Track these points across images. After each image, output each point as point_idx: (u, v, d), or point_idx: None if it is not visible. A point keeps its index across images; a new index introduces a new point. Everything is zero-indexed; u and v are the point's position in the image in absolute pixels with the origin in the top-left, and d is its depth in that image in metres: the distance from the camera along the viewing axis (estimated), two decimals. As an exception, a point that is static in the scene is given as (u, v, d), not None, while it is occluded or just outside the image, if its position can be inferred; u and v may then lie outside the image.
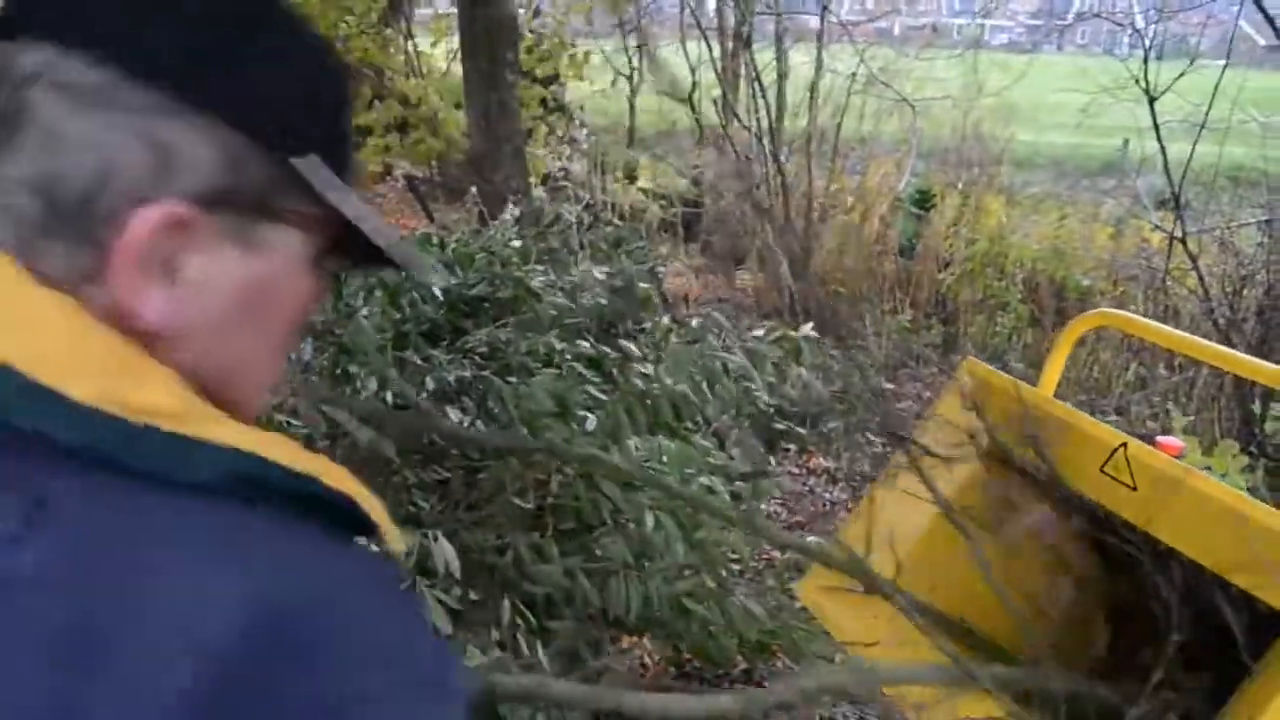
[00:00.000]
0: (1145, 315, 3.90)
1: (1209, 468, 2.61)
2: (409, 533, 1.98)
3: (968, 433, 1.43)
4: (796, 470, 4.35)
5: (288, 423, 2.12)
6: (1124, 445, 1.30)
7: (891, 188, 7.58)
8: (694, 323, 3.30)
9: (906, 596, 1.34)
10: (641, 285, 3.19)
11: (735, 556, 2.93)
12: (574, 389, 2.44)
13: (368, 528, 0.53)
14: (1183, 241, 4.87)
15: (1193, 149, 5.17)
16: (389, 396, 2.30)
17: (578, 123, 8.17)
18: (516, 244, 3.04)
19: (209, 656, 0.41)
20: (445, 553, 1.99)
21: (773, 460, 3.36)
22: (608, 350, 2.74)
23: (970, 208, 7.32)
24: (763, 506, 3.43)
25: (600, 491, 2.33)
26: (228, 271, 0.51)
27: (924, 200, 7.38)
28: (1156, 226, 5.80)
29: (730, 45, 8.06)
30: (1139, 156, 6.38)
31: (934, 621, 1.34)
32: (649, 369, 2.52)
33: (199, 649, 0.41)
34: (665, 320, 3.22)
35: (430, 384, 2.40)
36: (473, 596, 2.13)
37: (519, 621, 2.15)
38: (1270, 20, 4.16)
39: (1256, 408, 4.37)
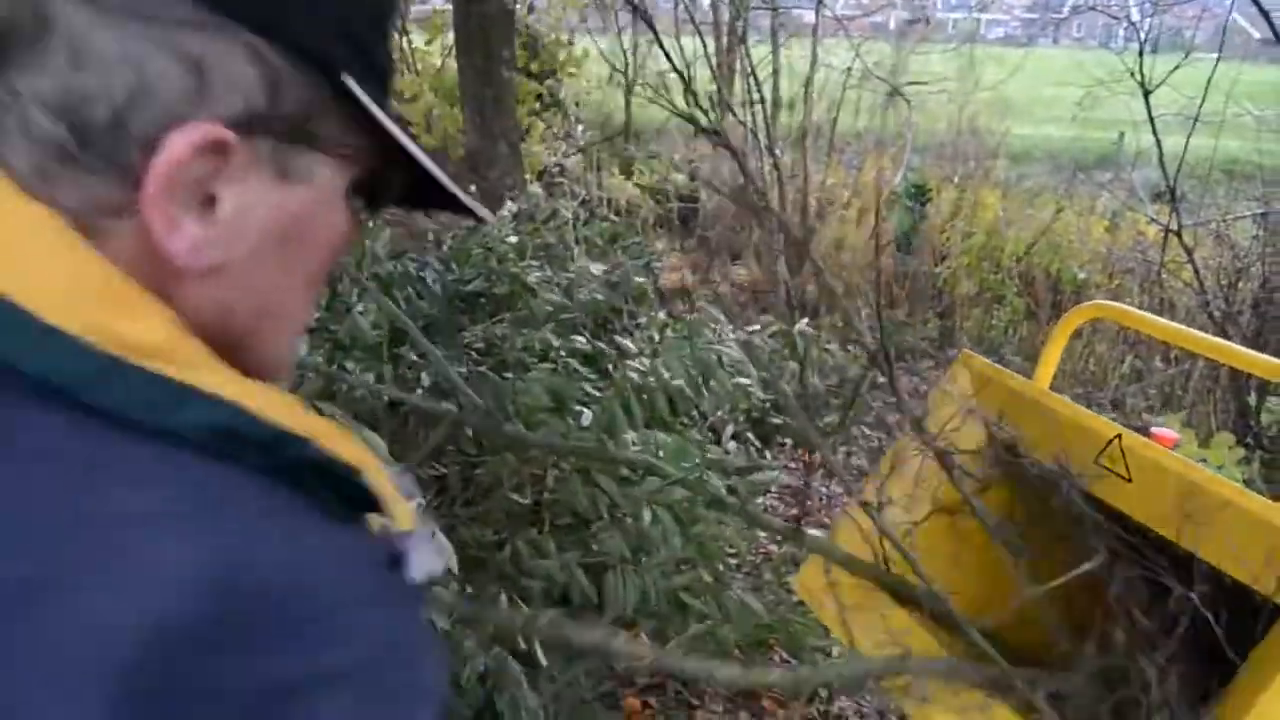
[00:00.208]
0: (1141, 308, 3.90)
1: (1205, 460, 2.62)
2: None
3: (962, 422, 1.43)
4: (793, 465, 4.35)
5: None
6: (1119, 437, 1.30)
7: (887, 182, 7.58)
8: (690, 318, 3.30)
9: (924, 589, 1.33)
10: (637, 280, 3.19)
11: (732, 551, 2.93)
12: (570, 384, 2.44)
13: (373, 502, 0.48)
14: (1178, 234, 4.88)
15: (1187, 142, 5.19)
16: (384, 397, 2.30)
17: (573, 119, 8.16)
18: (513, 240, 3.03)
19: (152, 626, 0.37)
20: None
21: (768, 455, 3.36)
22: (603, 345, 2.74)
23: (966, 201, 7.34)
24: (759, 500, 3.43)
25: (597, 486, 2.33)
26: (265, 201, 0.47)
27: (920, 194, 7.39)
28: (1152, 219, 5.81)
29: (725, 40, 8.06)
30: (1134, 150, 6.39)
31: (941, 615, 1.34)
32: (645, 364, 2.51)
33: (143, 616, 0.37)
34: (661, 315, 3.22)
35: (425, 380, 2.40)
36: (470, 592, 2.13)
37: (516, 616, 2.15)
38: (1265, 14, 4.15)
39: (1252, 400, 4.38)
